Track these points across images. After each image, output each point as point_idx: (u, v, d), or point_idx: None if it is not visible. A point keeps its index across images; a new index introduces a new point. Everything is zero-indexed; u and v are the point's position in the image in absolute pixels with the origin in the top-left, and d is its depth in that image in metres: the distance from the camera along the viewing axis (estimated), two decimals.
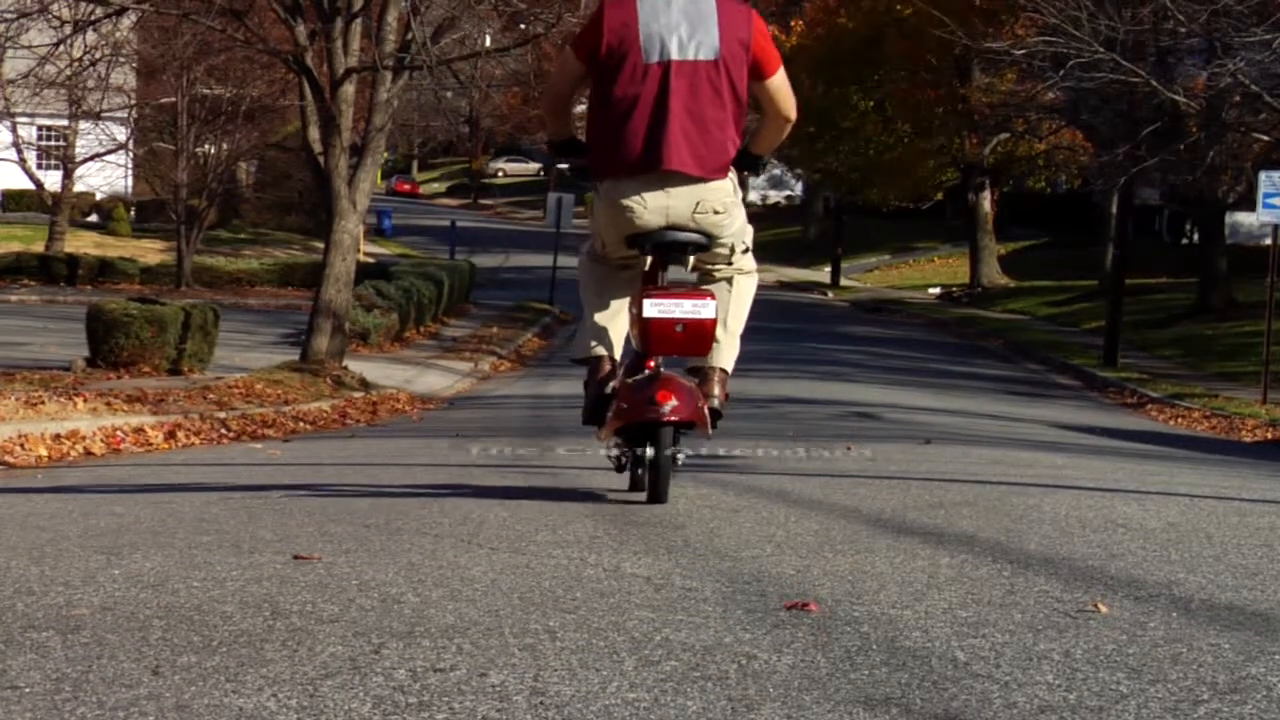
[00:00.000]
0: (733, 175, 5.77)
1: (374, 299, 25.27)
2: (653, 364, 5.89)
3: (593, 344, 5.89)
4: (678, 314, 5.57)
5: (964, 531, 5.72)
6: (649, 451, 5.70)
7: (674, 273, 5.75)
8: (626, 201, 5.62)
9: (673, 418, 5.61)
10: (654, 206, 5.59)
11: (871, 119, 44.71)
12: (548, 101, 6.11)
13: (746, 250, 5.98)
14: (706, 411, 5.80)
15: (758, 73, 5.66)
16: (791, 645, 3.77)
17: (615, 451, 6.10)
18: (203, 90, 36.55)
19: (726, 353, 5.97)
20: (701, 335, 5.63)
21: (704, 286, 5.80)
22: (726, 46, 5.53)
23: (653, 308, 5.58)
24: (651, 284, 5.73)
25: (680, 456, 5.88)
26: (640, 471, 5.98)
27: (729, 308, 5.90)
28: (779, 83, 5.77)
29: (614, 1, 5.60)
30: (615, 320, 5.89)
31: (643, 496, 6.04)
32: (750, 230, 6.04)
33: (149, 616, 4.05)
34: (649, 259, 5.76)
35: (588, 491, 6.76)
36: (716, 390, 5.92)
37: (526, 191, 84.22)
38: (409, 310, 26.65)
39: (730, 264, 5.93)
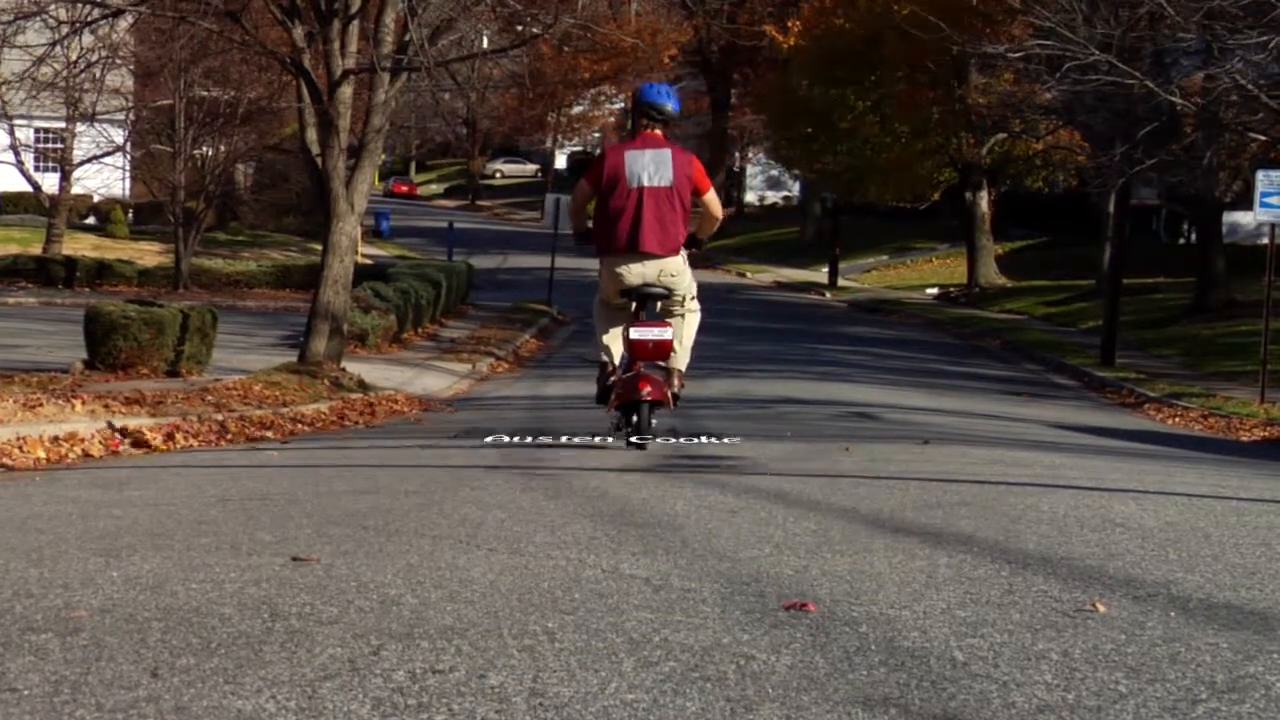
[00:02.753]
0: (683, 253, 9.27)
1: (372, 300, 25.24)
2: (638, 366, 9.25)
3: (602, 355, 9.46)
4: (650, 336, 9.13)
5: (962, 531, 5.73)
6: (634, 419, 9.15)
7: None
8: (618, 270, 9.18)
9: (648, 398, 9.08)
10: (635, 272, 9.15)
11: (869, 119, 44.67)
12: (571, 211, 9.85)
13: (694, 297, 9.48)
14: (670, 395, 9.25)
15: (698, 192, 9.25)
16: (790, 646, 3.78)
17: (616, 419, 9.41)
18: (200, 92, 36.49)
19: (682, 359, 9.45)
20: (664, 348, 9.18)
21: (667, 319, 9.27)
22: (677, 179, 9.06)
23: (635, 332, 9.15)
24: (635, 319, 9.22)
25: (654, 421, 9.30)
26: (629, 431, 9.21)
27: (684, 332, 9.41)
28: (711, 197, 9.47)
29: (612, 151, 9.35)
30: (615, 340, 9.37)
31: (636, 449, 9.18)
32: (695, 284, 9.53)
33: (148, 618, 4.05)
34: (634, 304, 9.24)
35: (595, 444, 9.67)
36: (676, 382, 9.38)
37: (524, 193, 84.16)
38: (407, 312, 26.61)
39: (684, 306, 9.43)
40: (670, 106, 9.19)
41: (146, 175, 41.23)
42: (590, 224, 9.55)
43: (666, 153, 9.06)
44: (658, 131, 9.16)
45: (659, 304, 9.26)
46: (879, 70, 43.23)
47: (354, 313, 22.02)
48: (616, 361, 9.36)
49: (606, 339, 9.39)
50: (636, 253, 9.05)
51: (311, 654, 3.65)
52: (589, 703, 3.25)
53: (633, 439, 9.18)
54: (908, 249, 54.17)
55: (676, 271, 9.20)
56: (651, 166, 9.01)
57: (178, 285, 35.23)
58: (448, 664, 3.57)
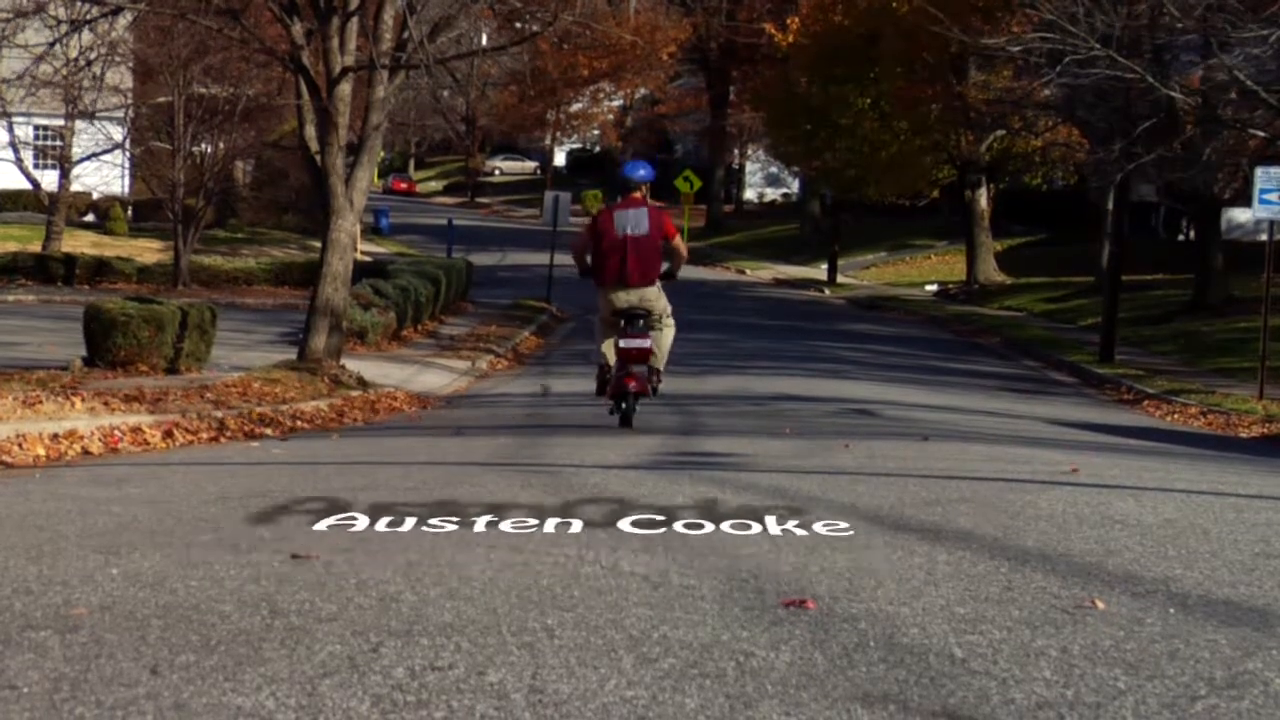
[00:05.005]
0: (658, 283, 12.00)
1: (371, 297, 25.22)
2: (628, 367, 11.96)
3: (601, 358, 12.24)
4: (634, 344, 11.88)
5: (961, 528, 5.73)
6: (623, 405, 11.92)
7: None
8: (611, 296, 11.93)
9: (634, 390, 11.89)
10: (623, 299, 11.90)
11: (868, 116, 44.63)
12: (574, 254, 12.46)
13: (669, 315, 12.18)
14: (650, 387, 12.00)
15: (667, 238, 12.03)
16: (789, 642, 3.78)
17: (610, 405, 12.14)
18: (199, 89, 36.44)
19: (661, 361, 12.15)
20: (645, 353, 11.90)
21: (648, 332, 11.93)
22: (651, 230, 11.88)
23: (624, 342, 11.93)
24: (624, 332, 11.96)
25: (638, 406, 12.03)
26: (620, 414, 11.98)
27: (661, 341, 12.12)
28: (678, 241, 12.28)
29: (603, 212, 12.27)
30: (609, 348, 12.11)
31: (625, 428, 11.84)
32: (669, 306, 12.18)
33: (147, 616, 4.06)
34: (622, 321, 11.97)
35: (593, 425, 12.24)
36: (655, 378, 12.10)
37: (523, 190, 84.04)
38: (406, 309, 26.59)
39: (661, 322, 12.12)
40: (643, 176, 12.30)
41: (146, 173, 41.17)
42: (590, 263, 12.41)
43: (644, 211, 11.97)
44: (636, 195, 12.12)
45: (641, 321, 11.91)
46: (878, 67, 43.17)
47: (353, 310, 22.00)
48: (611, 363, 12.05)
49: (604, 347, 12.18)
50: (624, 284, 11.84)
51: (311, 651, 3.66)
52: (588, 699, 3.26)
53: (622, 420, 11.99)
54: (907, 246, 54.13)
55: (654, 298, 12.00)
56: (633, 221, 11.85)
57: (177, 282, 35.19)
58: (447, 661, 3.57)
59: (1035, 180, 49.09)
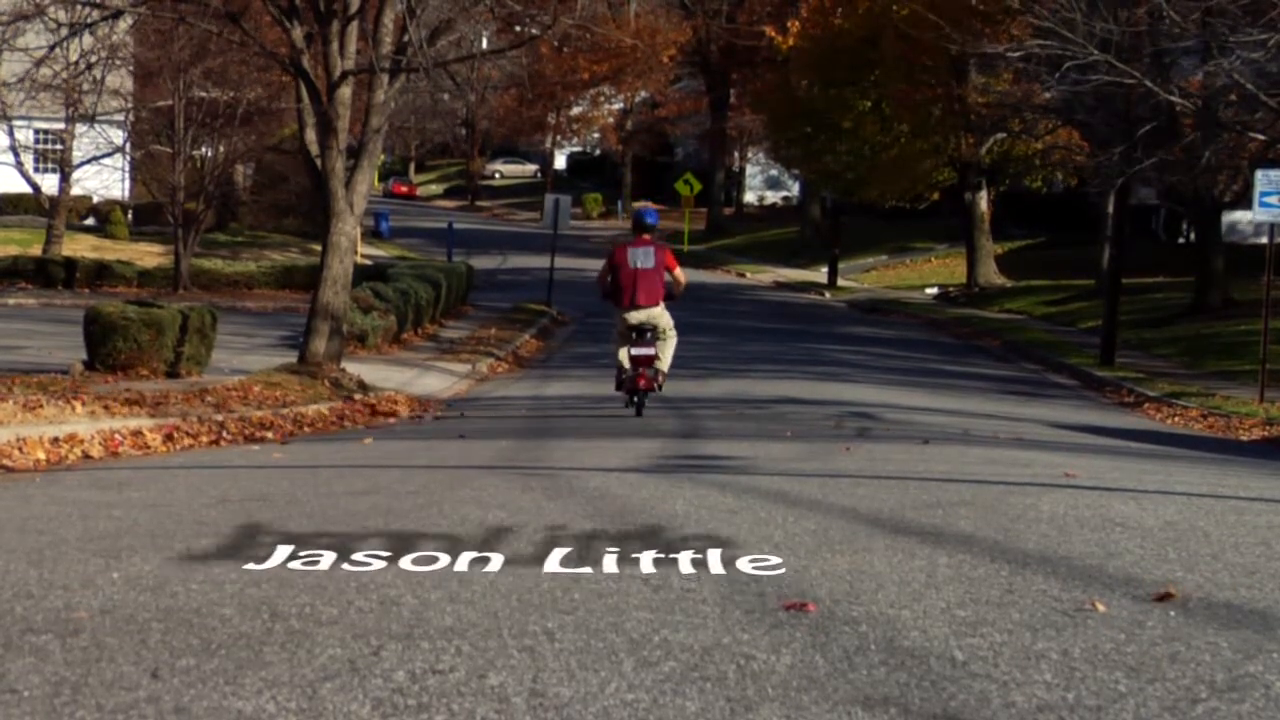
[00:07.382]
0: (662, 304, 14.89)
1: (372, 301, 25.20)
2: (639, 369, 14.71)
3: (618, 363, 15.02)
4: (642, 352, 14.78)
5: (962, 531, 5.73)
6: (635, 399, 14.78)
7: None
8: (625, 315, 14.82)
9: (643, 389, 14.74)
10: (635, 317, 14.80)
11: (869, 119, 44.63)
12: (599, 282, 15.36)
13: (672, 328, 15.04)
14: (656, 385, 14.97)
15: (669, 269, 14.98)
16: (790, 645, 3.78)
17: (625, 399, 14.99)
18: (199, 93, 36.43)
19: (665, 364, 15.02)
20: (650, 359, 14.78)
21: (655, 342, 14.83)
22: (657, 264, 14.86)
23: (634, 350, 14.80)
24: (635, 342, 14.83)
25: (646, 401, 14.80)
26: (634, 406, 14.79)
27: (665, 349, 14.98)
28: (678, 272, 15.19)
29: (619, 249, 15.26)
30: (625, 354, 14.86)
31: (637, 416, 14.52)
32: (672, 321, 15.08)
33: (148, 619, 4.06)
34: (634, 333, 14.85)
35: (610, 417, 14.79)
36: (660, 378, 15.04)
37: (523, 193, 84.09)
38: (407, 312, 26.58)
39: (665, 335, 14.95)
40: (650, 222, 15.47)
41: (146, 176, 41.14)
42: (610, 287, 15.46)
43: (651, 249, 15.00)
44: (646, 236, 15.15)
45: (649, 333, 14.85)
46: (878, 70, 43.17)
47: (354, 313, 21.99)
48: (626, 366, 14.87)
49: (620, 355, 14.99)
50: (635, 306, 14.77)
51: (311, 655, 3.66)
52: (589, 703, 3.26)
53: (636, 411, 14.71)
54: (907, 249, 54.13)
55: (659, 315, 14.93)
56: (642, 256, 14.87)
57: (177, 286, 35.18)
58: (448, 664, 3.57)
59: (1035, 183, 49.06)
